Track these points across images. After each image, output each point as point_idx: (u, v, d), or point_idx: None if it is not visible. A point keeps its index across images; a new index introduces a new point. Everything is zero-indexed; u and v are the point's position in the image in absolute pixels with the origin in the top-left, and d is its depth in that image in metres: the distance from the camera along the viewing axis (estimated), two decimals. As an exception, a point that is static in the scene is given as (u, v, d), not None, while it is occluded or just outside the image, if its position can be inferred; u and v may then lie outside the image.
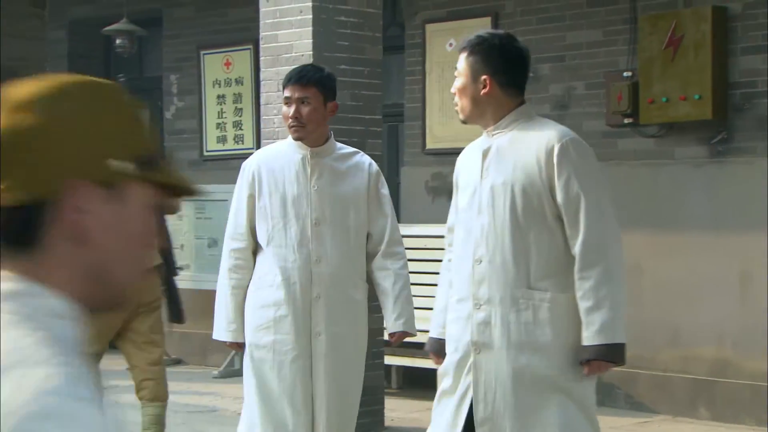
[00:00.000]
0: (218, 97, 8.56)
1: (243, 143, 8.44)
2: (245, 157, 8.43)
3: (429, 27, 7.37)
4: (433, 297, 7.25)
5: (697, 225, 6.11)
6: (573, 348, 2.97)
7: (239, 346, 3.88)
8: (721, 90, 6.00)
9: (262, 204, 3.74)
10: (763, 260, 5.91)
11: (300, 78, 3.74)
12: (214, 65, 8.55)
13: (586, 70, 6.61)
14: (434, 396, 3.35)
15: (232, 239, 3.80)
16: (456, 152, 7.32)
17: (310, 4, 5.48)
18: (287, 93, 3.74)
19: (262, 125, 5.79)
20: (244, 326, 3.80)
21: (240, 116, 8.44)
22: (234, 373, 7.90)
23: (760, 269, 5.89)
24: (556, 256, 2.98)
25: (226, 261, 3.81)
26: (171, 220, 8.42)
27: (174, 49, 8.79)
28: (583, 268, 2.93)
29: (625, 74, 6.35)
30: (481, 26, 7.13)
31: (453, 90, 3.11)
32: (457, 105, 3.10)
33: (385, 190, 3.87)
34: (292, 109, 3.70)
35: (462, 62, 3.09)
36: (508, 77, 3.04)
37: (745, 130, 6.06)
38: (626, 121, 6.30)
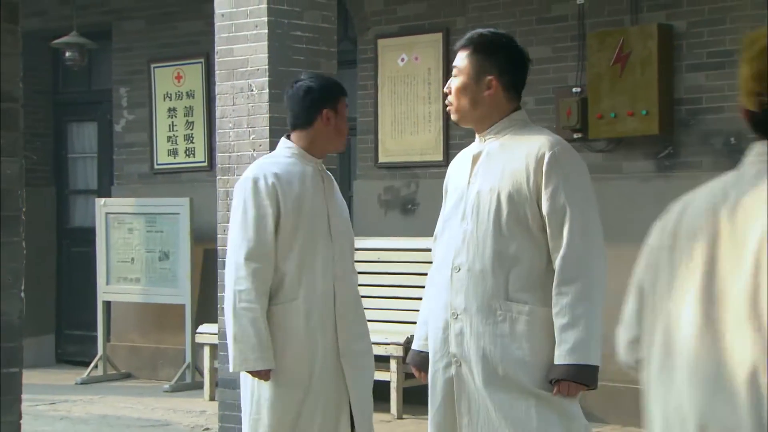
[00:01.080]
0: (169, 110, 8.55)
1: (194, 156, 8.43)
2: (196, 170, 8.58)
3: (381, 42, 7.44)
4: (387, 310, 7.30)
5: (642, 239, 6.22)
6: (550, 365, 2.85)
7: (268, 374, 3.51)
8: (667, 106, 6.16)
9: (286, 219, 3.48)
10: (709, 272, 6.05)
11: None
12: (164, 78, 8.54)
13: (536, 86, 6.73)
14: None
15: (254, 259, 3.44)
16: (408, 166, 7.47)
17: (265, 18, 5.52)
18: (346, 104, 3.70)
19: (216, 138, 5.81)
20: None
21: (191, 129, 8.43)
22: (185, 387, 7.87)
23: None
24: (538, 269, 2.85)
25: (249, 283, 3.43)
26: (121, 233, 8.39)
27: (124, 63, 8.76)
28: (561, 282, 2.81)
29: (574, 90, 6.48)
30: (433, 42, 7.23)
31: (447, 89, 2.94)
32: (450, 104, 2.94)
33: None
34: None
35: (464, 60, 2.93)
36: (511, 79, 2.93)
37: (690, 145, 6.22)
38: (575, 136, 6.42)
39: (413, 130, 7.34)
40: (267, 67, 5.52)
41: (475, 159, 2.92)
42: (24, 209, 2.27)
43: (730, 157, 6.11)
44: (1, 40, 2.02)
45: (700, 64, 6.14)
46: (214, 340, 7.17)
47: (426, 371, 3.00)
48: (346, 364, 3.55)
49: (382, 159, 7.49)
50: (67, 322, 9.41)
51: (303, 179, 3.54)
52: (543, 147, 2.84)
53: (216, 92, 5.79)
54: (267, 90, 5.54)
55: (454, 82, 2.93)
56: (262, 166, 3.60)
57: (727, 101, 6.09)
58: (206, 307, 8.02)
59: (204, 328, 7.49)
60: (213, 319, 7.58)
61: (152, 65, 8.58)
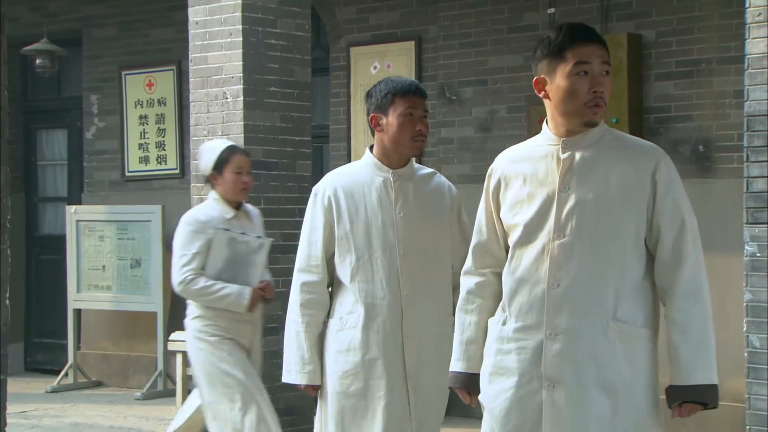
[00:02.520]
0: (140, 117, 8.53)
1: (166, 164, 8.42)
2: (168, 177, 8.57)
3: (353, 50, 7.48)
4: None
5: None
6: (655, 388, 2.67)
7: (314, 389, 3.45)
8: (636, 114, 6.24)
9: (343, 233, 3.36)
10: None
11: (418, 89, 3.41)
12: (136, 86, 8.52)
13: (508, 94, 6.80)
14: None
15: (304, 272, 3.41)
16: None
17: (240, 26, 5.54)
18: (409, 104, 3.35)
19: (191, 146, 5.81)
20: (321, 368, 3.41)
21: (163, 137, 8.43)
22: (157, 394, 7.85)
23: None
24: (644, 284, 2.66)
25: (297, 296, 3.41)
26: (92, 240, 8.36)
27: (94, 70, 8.73)
28: (683, 297, 2.62)
29: (545, 98, 6.55)
30: (405, 50, 7.28)
31: (598, 88, 2.62)
32: (602, 103, 2.64)
33: (466, 218, 3.48)
34: (418, 123, 3.35)
35: (604, 53, 2.65)
36: None
37: (659, 153, 6.30)
38: (547, 143, 6.49)
39: (385, 137, 7.38)
40: (241, 74, 5.55)
41: (566, 162, 2.64)
42: (9, 217, 2.28)
43: (698, 164, 6.21)
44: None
45: (669, 73, 6.24)
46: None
47: (476, 393, 2.80)
48: (412, 389, 3.37)
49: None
50: (36, 330, 9.35)
51: (367, 190, 3.36)
52: (652, 156, 2.66)
53: (190, 100, 5.80)
54: (241, 97, 5.56)
55: (606, 79, 2.66)
56: (327, 177, 3.49)
57: (695, 110, 6.19)
58: (178, 314, 7.99)
59: (176, 335, 7.48)
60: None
61: (123, 72, 8.57)
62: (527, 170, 2.70)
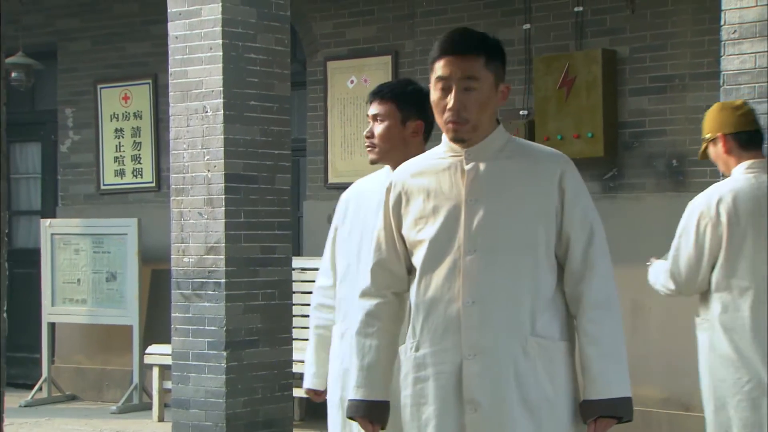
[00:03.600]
0: (116, 130, 8.53)
1: (142, 177, 8.42)
2: (144, 190, 8.56)
3: (330, 64, 7.53)
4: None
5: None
6: (576, 401, 2.55)
7: (316, 394, 3.33)
8: (611, 129, 6.34)
9: (341, 230, 3.25)
10: (652, 290, 6.22)
11: (378, 93, 3.20)
12: (111, 99, 8.52)
13: (484, 109, 6.87)
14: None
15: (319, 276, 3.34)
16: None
17: (220, 41, 5.58)
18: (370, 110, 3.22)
19: (171, 159, 5.83)
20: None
21: (139, 150, 8.42)
22: (133, 408, 7.83)
23: (649, 300, 6.21)
24: (556, 297, 2.53)
25: (312, 299, 3.37)
26: (67, 254, 8.33)
27: (69, 83, 8.72)
28: (592, 308, 2.50)
29: (521, 112, 6.64)
30: (382, 65, 7.34)
31: (452, 106, 2.48)
32: (461, 120, 2.49)
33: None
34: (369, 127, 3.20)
35: (469, 67, 2.48)
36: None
37: (634, 167, 6.41)
38: (523, 157, 6.57)
39: (363, 151, 7.41)
40: (222, 88, 5.58)
41: (470, 174, 2.51)
42: (7, 231, 2.30)
43: (672, 178, 6.31)
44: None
45: (643, 88, 6.34)
46: (164, 360, 7.16)
47: (381, 423, 2.63)
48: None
49: (331, 179, 7.56)
50: (10, 344, 9.27)
51: (374, 197, 3.10)
52: (556, 163, 2.52)
53: (170, 113, 5.82)
54: (222, 111, 5.59)
55: (477, 96, 2.52)
56: (352, 185, 3.38)
57: (669, 125, 6.29)
58: (154, 328, 7.99)
59: (153, 348, 7.47)
60: (162, 339, 7.56)
61: (99, 86, 8.56)
62: (430, 183, 2.54)
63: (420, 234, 2.54)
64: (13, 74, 8.19)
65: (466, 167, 2.52)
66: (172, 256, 5.84)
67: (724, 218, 3.73)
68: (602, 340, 2.51)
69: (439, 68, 2.50)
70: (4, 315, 2.26)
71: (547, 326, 2.52)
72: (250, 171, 5.68)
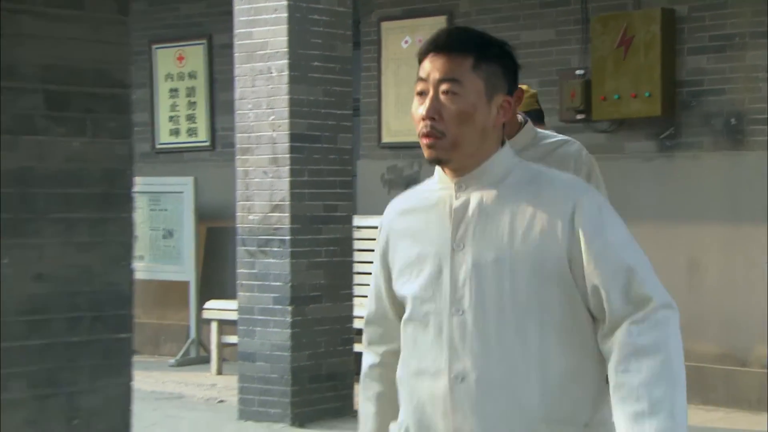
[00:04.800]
0: (171, 90, 8.66)
1: (197, 136, 8.56)
2: (199, 149, 8.70)
3: (384, 24, 7.60)
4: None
5: (646, 216, 6.47)
6: None
7: None
8: (669, 88, 6.37)
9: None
10: (709, 248, 6.31)
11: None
12: (166, 59, 8.64)
13: (539, 68, 6.92)
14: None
15: None
16: (411, 146, 7.66)
17: (285, 2, 5.67)
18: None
19: (236, 119, 5.95)
20: None
21: (193, 110, 8.55)
22: (190, 361, 8.03)
23: (706, 257, 6.29)
24: (581, 368, 1.92)
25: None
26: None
27: (125, 43, 8.85)
28: (631, 356, 1.85)
29: (577, 72, 6.68)
30: (437, 25, 7.39)
31: (425, 113, 1.91)
32: (435, 134, 1.92)
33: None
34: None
35: (451, 68, 1.92)
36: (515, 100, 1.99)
37: (691, 126, 6.45)
38: (579, 116, 6.63)
39: (416, 110, 7.53)
40: (287, 50, 5.68)
41: (458, 213, 1.94)
42: (134, 188, 2.43)
43: (730, 137, 6.35)
44: (110, 29, 2.18)
45: (702, 47, 6.36)
46: (222, 315, 7.35)
47: None
48: None
49: (385, 139, 7.66)
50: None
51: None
52: (568, 195, 1.91)
53: (235, 74, 5.93)
54: (286, 72, 5.70)
55: (459, 104, 1.94)
56: None
57: (727, 83, 6.32)
58: (209, 284, 8.18)
59: (211, 304, 7.65)
60: (219, 295, 7.75)
61: (153, 46, 8.68)
62: (417, 224, 1.98)
63: (404, 289, 1.98)
64: (72, 35, 8.33)
65: (455, 203, 1.94)
66: (237, 214, 5.99)
67: None
68: (638, 392, 1.83)
69: (420, 69, 1.95)
70: (131, 266, 2.39)
71: (566, 408, 1.89)
72: (313, 131, 5.80)
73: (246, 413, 5.95)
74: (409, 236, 1.99)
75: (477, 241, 1.91)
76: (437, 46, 1.93)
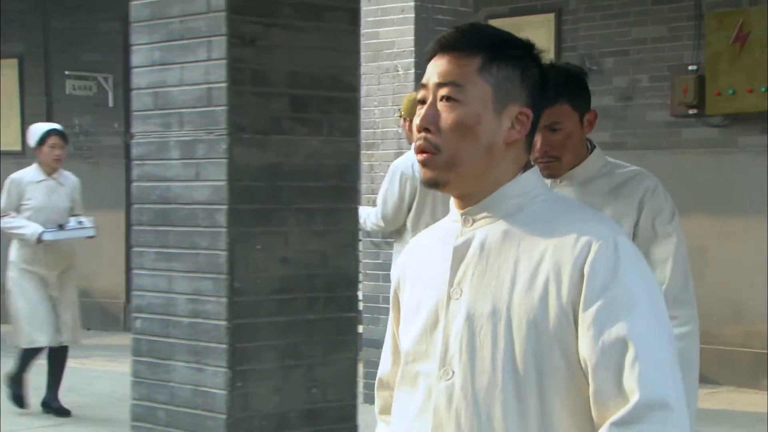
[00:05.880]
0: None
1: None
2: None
3: (492, 22, 7.78)
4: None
5: (757, 209, 6.58)
6: None
7: None
8: (782, 83, 6.47)
9: None
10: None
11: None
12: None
13: (650, 64, 7.06)
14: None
15: None
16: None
17: (412, 3, 5.91)
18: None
19: (362, 116, 6.20)
20: None
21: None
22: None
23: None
24: None
25: None
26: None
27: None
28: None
29: (690, 68, 6.81)
30: (544, 22, 7.57)
31: (420, 124, 1.57)
32: (430, 149, 1.56)
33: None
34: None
35: (450, 71, 1.57)
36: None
37: (806, 121, 6.54)
38: (691, 111, 6.76)
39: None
40: (413, 49, 5.91)
41: (460, 252, 1.59)
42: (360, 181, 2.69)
43: (843, 131, 6.43)
44: (344, 39, 2.42)
45: (816, 43, 6.44)
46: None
47: None
48: None
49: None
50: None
51: None
52: (583, 239, 1.52)
53: (361, 72, 6.18)
54: (412, 70, 5.94)
55: (447, 108, 1.60)
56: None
57: (843, 79, 6.39)
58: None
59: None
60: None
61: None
62: (424, 264, 1.64)
63: (402, 341, 1.65)
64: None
65: (455, 242, 1.59)
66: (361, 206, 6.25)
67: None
68: None
69: (425, 74, 1.60)
70: (357, 252, 2.63)
71: None
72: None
73: (370, 397, 6.21)
74: (417, 277, 1.63)
75: (474, 289, 1.55)
76: (442, 45, 1.58)
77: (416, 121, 1.56)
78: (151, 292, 2.83)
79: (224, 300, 2.51)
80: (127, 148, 9.69)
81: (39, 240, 6.07)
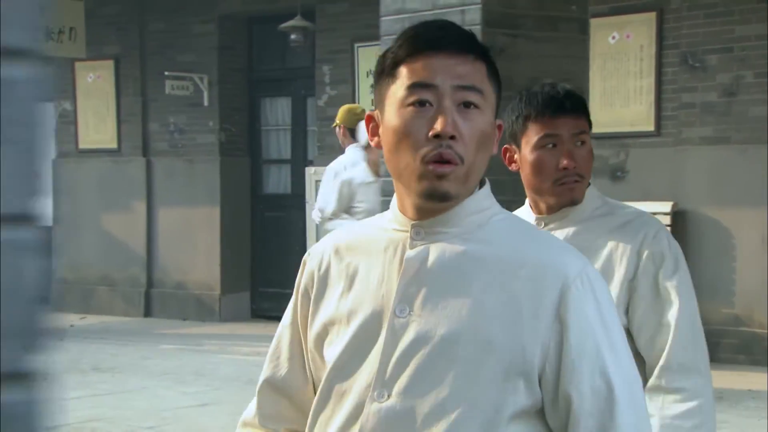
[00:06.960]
0: (371, 86, 9.17)
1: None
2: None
3: (593, 21, 7.92)
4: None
5: None
6: None
7: None
8: None
9: None
10: None
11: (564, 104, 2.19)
12: (368, 57, 9.16)
13: (754, 61, 7.20)
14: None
15: None
16: (617, 136, 8.01)
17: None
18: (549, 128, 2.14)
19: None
20: None
21: (397, 104, 9.07)
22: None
23: None
24: None
25: None
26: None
27: (327, 42, 9.40)
28: None
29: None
30: (645, 21, 7.73)
31: (440, 126, 1.43)
32: (461, 161, 1.44)
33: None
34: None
35: (465, 71, 1.45)
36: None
37: None
38: (796, 107, 6.90)
39: (622, 102, 7.88)
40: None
41: (410, 265, 1.48)
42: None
43: None
44: (576, 47, 2.64)
45: None
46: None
47: None
48: None
49: (594, 129, 8.02)
50: (263, 280, 10.18)
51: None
52: (558, 273, 1.44)
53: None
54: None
55: (468, 117, 1.48)
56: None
57: None
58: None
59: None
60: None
61: (356, 45, 9.22)
62: (357, 269, 1.52)
63: (325, 350, 1.52)
64: (292, 36, 8.92)
65: (408, 253, 1.47)
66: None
67: None
68: None
69: (414, 72, 1.43)
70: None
71: None
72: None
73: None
74: (345, 282, 1.51)
75: (428, 308, 1.43)
76: (441, 43, 1.43)
77: (437, 126, 1.40)
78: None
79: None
80: (221, 145, 10.08)
81: None
